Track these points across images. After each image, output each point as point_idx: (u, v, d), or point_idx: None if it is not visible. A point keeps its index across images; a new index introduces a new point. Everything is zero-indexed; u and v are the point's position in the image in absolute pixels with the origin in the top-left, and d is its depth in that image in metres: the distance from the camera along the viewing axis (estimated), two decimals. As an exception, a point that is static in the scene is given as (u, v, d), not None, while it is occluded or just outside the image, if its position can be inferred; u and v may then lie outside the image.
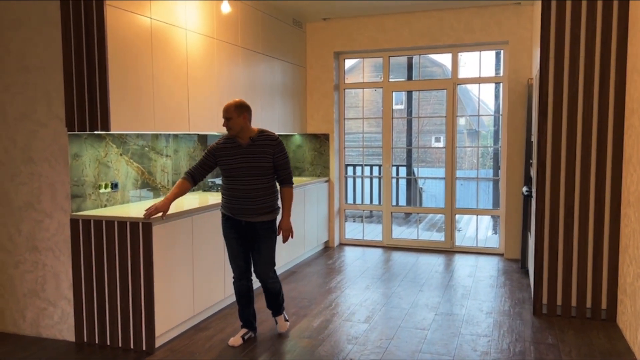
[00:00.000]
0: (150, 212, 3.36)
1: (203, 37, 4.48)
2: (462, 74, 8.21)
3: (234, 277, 3.69)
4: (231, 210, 3.54)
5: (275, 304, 3.82)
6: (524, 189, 5.15)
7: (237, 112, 3.43)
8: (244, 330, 3.72)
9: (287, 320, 3.89)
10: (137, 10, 3.69)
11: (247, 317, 3.73)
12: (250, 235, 3.59)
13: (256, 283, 3.93)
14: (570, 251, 4.06)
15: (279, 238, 3.69)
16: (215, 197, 4.46)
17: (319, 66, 6.59)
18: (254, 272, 3.68)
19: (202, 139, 5.08)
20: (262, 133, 3.55)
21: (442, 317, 4.14)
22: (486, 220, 8.86)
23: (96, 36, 3.41)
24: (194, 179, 3.59)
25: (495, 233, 7.79)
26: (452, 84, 6.30)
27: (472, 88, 6.56)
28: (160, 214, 3.42)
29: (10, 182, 3.72)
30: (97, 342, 3.60)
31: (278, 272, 4.93)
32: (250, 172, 3.47)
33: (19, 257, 3.74)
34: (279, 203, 3.66)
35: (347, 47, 6.46)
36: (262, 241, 3.59)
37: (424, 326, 3.95)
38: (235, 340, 3.63)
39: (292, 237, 3.69)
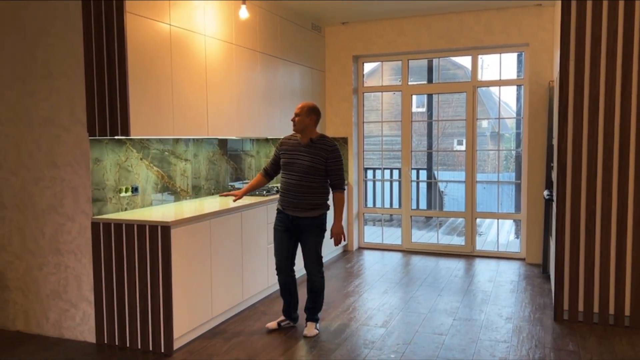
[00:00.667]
0: (225, 194, 4.04)
1: (222, 42, 4.53)
2: (486, 76, 8.13)
3: (276, 270, 3.95)
4: (282, 202, 3.84)
5: (312, 306, 3.92)
6: (545, 192, 5.08)
7: (306, 112, 3.76)
8: (282, 317, 4.01)
9: (317, 330, 3.92)
10: (156, 17, 3.76)
11: (287, 308, 4.00)
12: (297, 230, 3.83)
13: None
14: (592, 256, 3.99)
15: (332, 241, 3.93)
16: (240, 200, 4.47)
17: (337, 70, 6.60)
18: (304, 264, 3.89)
19: (222, 143, 5.13)
20: (323, 138, 3.82)
21: (460, 322, 4.11)
22: (508, 224, 8.75)
23: (116, 43, 3.48)
24: (268, 174, 4.03)
25: (518, 237, 7.69)
26: (472, 86, 6.25)
27: (496, 90, 6.50)
28: (233, 198, 4.00)
29: (35, 186, 3.81)
30: (117, 343, 3.67)
31: (301, 273, 4.89)
32: (303, 169, 3.73)
33: (43, 259, 3.82)
34: (328, 203, 3.87)
35: (366, 51, 6.46)
36: (308, 236, 3.81)
37: (442, 331, 3.92)
38: (272, 324, 3.95)
39: (344, 239, 3.88)
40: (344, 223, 6.48)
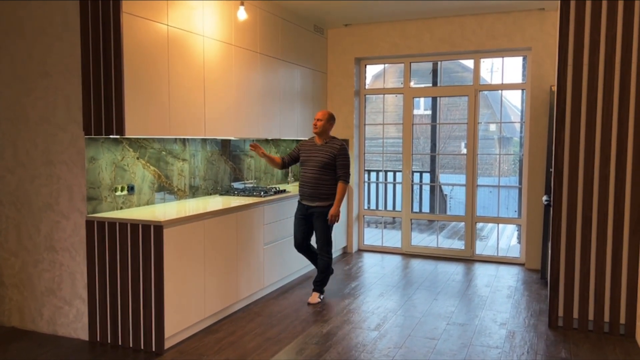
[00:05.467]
0: (255, 145, 4.56)
1: (221, 43, 4.54)
2: (496, 79, 8.07)
3: (295, 246, 4.79)
4: (300, 194, 4.64)
5: (319, 280, 4.70)
6: (544, 197, 5.04)
7: (327, 119, 4.60)
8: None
9: (320, 298, 4.69)
10: (154, 18, 3.78)
11: (313, 261, 4.82)
12: (311, 218, 4.62)
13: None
14: (588, 263, 3.96)
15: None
16: (237, 201, 4.51)
17: (339, 72, 6.60)
18: (316, 245, 4.70)
19: (221, 143, 5.14)
20: (333, 139, 4.64)
21: (454, 327, 4.09)
22: (511, 229, 8.69)
23: (113, 43, 3.50)
24: (284, 162, 4.75)
25: (520, 242, 7.63)
26: (474, 90, 6.22)
27: (504, 93, 6.44)
28: (260, 151, 4.57)
29: (31, 184, 3.85)
30: (109, 341, 3.69)
31: (297, 275, 5.48)
32: (317, 164, 4.53)
33: (38, 257, 3.86)
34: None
35: (368, 53, 6.45)
36: (318, 222, 4.58)
37: (435, 336, 3.90)
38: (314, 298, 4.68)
39: (337, 221, 4.58)
40: (344, 221, 6.48)
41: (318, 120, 4.58)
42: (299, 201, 4.71)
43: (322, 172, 4.51)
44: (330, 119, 4.63)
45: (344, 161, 4.53)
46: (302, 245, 4.74)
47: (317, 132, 4.59)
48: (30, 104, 3.80)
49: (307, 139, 4.74)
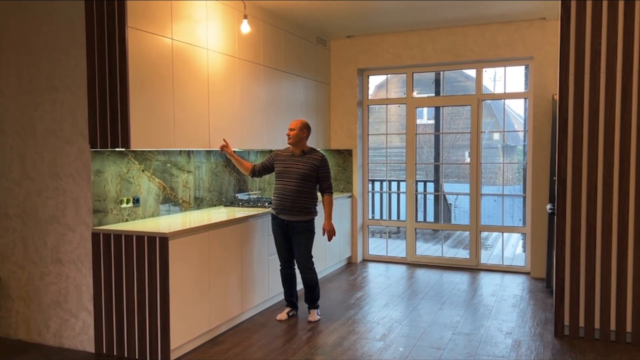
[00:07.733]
0: (223, 144, 4.40)
1: (225, 56, 4.59)
2: (498, 88, 8.12)
3: (280, 266, 4.53)
4: (277, 208, 4.34)
5: (311, 297, 4.48)
6: (548, 206, 5.04)
7: (300, 128, 4.34)
8: (289, 309, 4.54)
9: (319, 315, 4.50)
10: (158, 32, 3.83)
11: (291, 298, 4.56)
12: (290, 233, 4.35)
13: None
14: (593, 271, 3.95)
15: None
16: (241, 212, 4.54)
17: (342, 83, 6.65)
18: (296, 262, 4.46)
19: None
20: (313, 150, 4.43)
21: (459, 336, 4.08)
22: (516, 238, 8.67)
23: (118, 57, 3.55)
24: (255, 170, 4.55)
25: (525, 251, 7.61)
26: (477, 99, 6.25)
27: (508, 102, 6.47)
28: (225, 147, 4.43)
29: (38, 196, 3.88)
30: (115, 353, 3.70)
31: (299, 286, 5.08)
32: (298, 176, 4.28)
33: (44, 269, 3.88)
34: (316, 208, 4.41)
35: (371, 64, 6.49)
36: (300, 238, 4.34)
37: (440, 345, 3.89)
38: (282, 315, 4.48)
39: (334, 235, 4.45)
40: (348, 231, 6.48)
41: (291, 130, 4.32)
42: (274, 216, 4.38)
43: (303, 185, 4.26)
44: (304, 128, 4.34)
45: (326, 173, 4.34)
46: (290, 262, 4.48)
47: (292, 143, 4.33)
48: (37, 117, 3.85)
49: (282, 148, 4.52)
